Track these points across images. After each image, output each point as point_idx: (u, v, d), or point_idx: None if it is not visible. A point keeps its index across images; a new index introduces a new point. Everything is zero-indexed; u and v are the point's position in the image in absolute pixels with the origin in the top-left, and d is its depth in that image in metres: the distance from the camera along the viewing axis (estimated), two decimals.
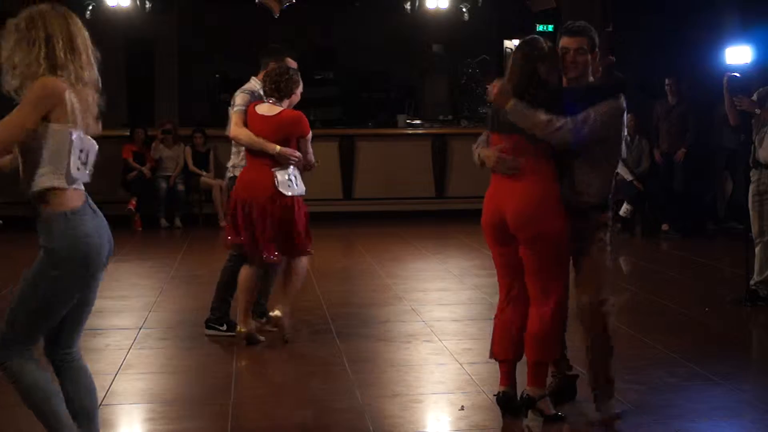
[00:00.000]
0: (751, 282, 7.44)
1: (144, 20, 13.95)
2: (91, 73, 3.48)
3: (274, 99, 6.14)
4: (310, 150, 6.22)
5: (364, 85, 17.32)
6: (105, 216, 3.56)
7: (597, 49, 4.59)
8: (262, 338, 6.27)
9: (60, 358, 3.62)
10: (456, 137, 13.46)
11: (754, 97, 7.49)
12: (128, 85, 15.40)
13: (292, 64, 6.50)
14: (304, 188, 6.18)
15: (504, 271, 4.71)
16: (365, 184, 13.11)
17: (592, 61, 4.59)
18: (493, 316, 4.81)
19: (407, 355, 6.04)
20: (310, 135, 6.20)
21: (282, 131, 6.07)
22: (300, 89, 6.23)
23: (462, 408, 4.88)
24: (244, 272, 6.19)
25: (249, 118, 6.17)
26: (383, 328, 6.63)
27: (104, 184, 11.89)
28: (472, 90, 15.01)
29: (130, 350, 6.07)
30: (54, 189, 3.39)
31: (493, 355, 4.79)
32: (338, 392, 5.19)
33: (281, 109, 6.12)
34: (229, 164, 6.66)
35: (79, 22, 3.49)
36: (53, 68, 3.36)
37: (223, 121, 6.84)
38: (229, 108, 6.45)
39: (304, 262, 6.26)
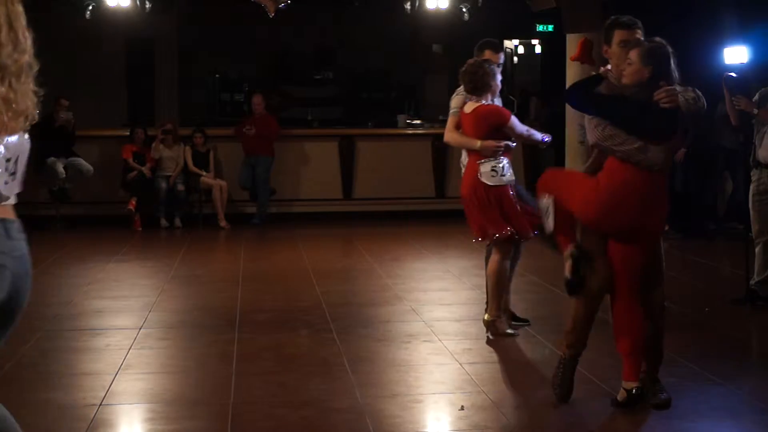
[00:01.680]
0: (751, 282, 7.43)
1: (144, 20, 13.93)
2: (15, 54, 2.63)
3: (474, 97, 6.25)
4: (527, 131, 6.38)
5: (364, 85, 17.33)
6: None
7: None
8: (510, 331, 6.34)
9: None
10: None
11: (756, 97, 7.49)
12: (128, 85, 15.40)
13: (492, 57, 6.47)
14: (512, 178, 6.28)
15: (629, 267, 4.77)
16: (365, 184, 13.10)
17: None
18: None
19: (407, 355, 6.04)
20: (513, 120, 6.26)
21: (482, 126, 6.20)
22: (497, 79, 6.28)
23: (462, 408, 4.88)
24: (492, 263, 6.34)
25: (460, 118, 6.33)
26: (383, 328, 6.63)
27: (104, 184, 11.94)
28: None
29: (130, 350, 6.06)
30: None
31: (620, 348, 4.83)
32: (338, 392, 5.19)
33: (477, 104, 6.23)
34: (461, 162, 6.69)
35: None
36: None
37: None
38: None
39: (495, 260, 6.32)
